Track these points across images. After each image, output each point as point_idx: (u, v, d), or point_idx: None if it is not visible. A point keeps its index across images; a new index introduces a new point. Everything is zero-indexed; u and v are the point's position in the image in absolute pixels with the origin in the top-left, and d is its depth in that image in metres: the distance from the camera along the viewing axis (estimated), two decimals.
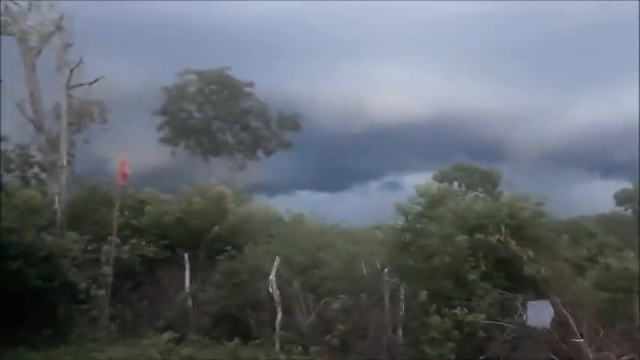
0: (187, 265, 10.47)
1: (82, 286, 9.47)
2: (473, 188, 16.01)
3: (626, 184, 20.87)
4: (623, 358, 8.00)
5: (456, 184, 19.58)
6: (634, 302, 9.13)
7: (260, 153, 23.82)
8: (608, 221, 17.66)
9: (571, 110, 34.05)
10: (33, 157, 10.77)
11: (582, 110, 33.36)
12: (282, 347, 9.03)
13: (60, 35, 12.15)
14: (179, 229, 12.66)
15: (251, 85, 22.78)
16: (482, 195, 10.98)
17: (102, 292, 9.66)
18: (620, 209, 20.52)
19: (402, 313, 9.34)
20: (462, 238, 9.58)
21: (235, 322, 9.70)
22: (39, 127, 11.69)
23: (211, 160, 22.64)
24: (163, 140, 22.04)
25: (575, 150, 31.18)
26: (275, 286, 9.40)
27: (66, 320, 9.02)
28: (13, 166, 10.83)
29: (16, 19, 11.34)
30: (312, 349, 8.95)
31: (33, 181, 11.23)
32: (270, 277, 9.43)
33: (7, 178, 8.54)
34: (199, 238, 12.45)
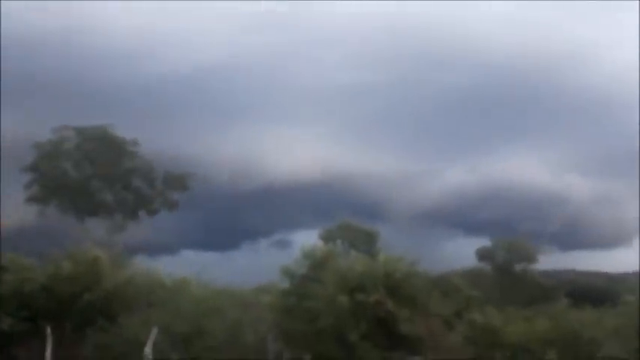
0: (49, 339, 9.37)
1: None
2: (355, 247, 16.73)
3: (486, 241, 23.51)
4: None
5: (339, 242, 20.29)
6: (499, 353, 9.99)
7: (142, 213, 22.71)
8: (471, 276, 19.37)
9: (440, 174, 37.75)
10: None
11: (449, 174, 37.17)
12: None
13: None
14: (43, 297, 11.40)
15: (135, 143, 22.00)
16: (361, 255, 11.55)
17: None
18: (481, 265, 22.71)
19: None
20: (343, 299, 9.90)
21: None
22: None
23: (87, 221, 21.02)
24: (31, 199, 20.07)
25: (442, 210, 34.27)
26: (152, 358, 8.79)
27: None
28: None
29: None
30: None
31: None
32: (146, 350, 8.81)
33: None
34: (68, 308, 11.30)
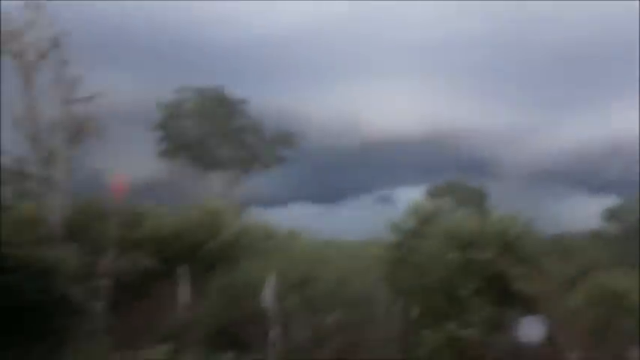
0: (184, 279, 10.56)
1: (79, 299, 9.51)
2: (463, 205, 16.30)
3: (612, 201, 21.34)
4: None
5: (447, 200, 19.93)
6: (625, 319, 9.33)
7: (255, 168, 24.13)
8: (595, 237, 17.92)
9: (558, 128, 34.73)
10: (30, 171, 10.82)
11: (568, 128, 34.05)
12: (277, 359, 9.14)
13: (57, 51, 12.33)
14: (176, 242, 12.73)
15: (245, 102, 23.21)
16: (472, 213, 11.26)
17: (99, 305, 9.70)
18: (607, 225, 20.81)
19: (396, 328, 9.49)
20: (453, 255, 9.80)
21: (232, 336, 9.78)
22: (36, 142, 11.80)
23: (207, 174, 22.87)
24: (161, 154, 22.29)
25: (562, 167, 31.72)
26: (270, 301, 9.52)
27: (63, 334, 9.04)
28: (9, 180, 10.87)
29: (14, 36, 11.51)
30: None
31: (30, 196, 11.27)
32: (265, 292, 9.56)
33: (4, 192, 8.55)
34: (195, 252, 12.52)
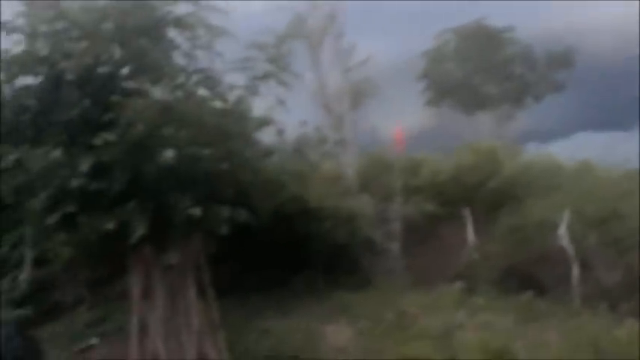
0: (469, 220, 10.73)
1: (378, 241, 10.80)
2: None
3: None
4: None
5: None
6: None
7: (528, 100, 22.25)
8: None
9: None
10: (326, 135, 12.62)
11: None
12: (583, 303, 8.46)
13: (334, 26, 13.80)
14: (453, 186, 12.94)
15: (511, 30, 21.33)
16: None
17: (395, 246, 10.83)
18: None
19: None
20: None
21: (525, 276, 9.50)
22: (329, 111, 13.68)
23: (476, 115, 22.29)
24: (428, 103, 22.78)
25: None
26: (567, 240, 8.80)
27: (368, 270, 10.48)
28: (312, 145, 12.86)
29: (303, 20, 13.35)
30: (620, 306, 8.09)
31: (328, 156, 13.13)
32: (560, 231, 8.87)
33: (311, 156, 10.22)
34: (474, 194, 12.49)
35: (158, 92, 7.21)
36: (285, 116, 9.08)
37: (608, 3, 28.07)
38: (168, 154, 6.82)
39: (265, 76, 8.37)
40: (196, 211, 7.05)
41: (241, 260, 9.72)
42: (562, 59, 22.11)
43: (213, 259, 8.21)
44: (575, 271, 8.68)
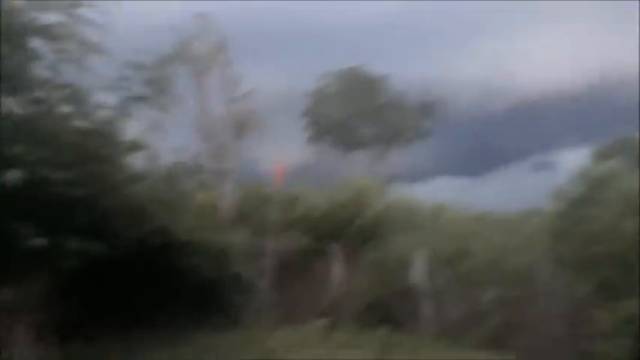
0: (336, 256, 11.04)
1: (248, 277, 10.57)
2: (636, 165, 14.08)
3: None
4: None
5: (616, 161, 17.43)
6: None
7: (398, 143, 24.10)
8: None
9: None
10: (205, 164, 12.27)
11: None
12: (434, 335, 9.06)
13: (222, 54, 13.71)
14: (327, 221, 13.31)
15: (386, 79, 23.18)
16: None
17: (264, 282, 10.69)
18: None
19: (561, 306, 8.68)
20: (629, 222, 8.57)
21: (385, 311, 9.96)
22: (210, 139, 13.38)
23: (352, 154, 23.54)
24: (309, 140, 23.63)
25: None
26: (420, 277, 9.44)
27: (237, 308, 10.16)
28: (189, 173, 12.43)
29: (188, 46, 13.04)
30: (463, 340, 8.80)
31: (205, 186, 12.75)
32: (416, 267, 9.50)
33: (185, 184, 9.83)
34: (346, 230, 12.96)
35: (11, 104, 6.45)
36: (163, 142, 8.67)
37: (474, 61, 31.83)
38: (14, 174, 6.08)
39: (140, 98, 7.94)
40: (40, 242, 6.32)
41: (94, 298, 8.78)
42: (429, 109, 24.41)
43: (58, 296, 7.34)
44: (427, 305, 9.32)
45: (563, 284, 8.81)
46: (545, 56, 31.07)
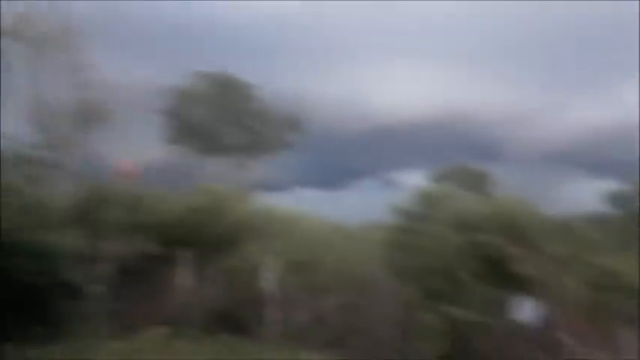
0: (186, 263, 10.69)
1: (79, 283, 9.62)
2: (466, 189, 16.26)
3: (615, 184, 20.64)
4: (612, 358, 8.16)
5: (451, 183, 19.88)
6: (623, 303, 9.25)
7: (261, 152, 24.29)
8: (595, 220, 17.52)
9: (566, 110, 34.16)
10: (38, 156, 10.97)
11: (576, 110, 33.46)
12: (276, 342, 9.26)
13: (67, 37, 12.41)
14: (180, 226, 12.82)
15: (253, 87, 23.28)
16: (478, 196, 11.23)
17: (99, 289, 9.83)
18: (609, 209, 20.28)
19: (395, 310, 9.54)
20: (455, 238, 9.79)
21: (232, 318, 9.92)
22: (43, 128, 11.96)
23: (212, 160, 23.08)
24: (169, 140, 22.57)
25: (569, 149, 31.24)
26: (269, 283, 9.62)
27: (61, 317, 9.15)
28: (16, 164, 11.04)
29: (23, 21, 11.59)
30: (306, 343, 9.16)
31: (38, 181, 11.44)
32: (266, 274, 9.66)
33: (10, 178, 8.69)
34: (200, 236, 12.62)
35: None
36: None
37: (340, 82, 33.60)
38: None
39: None
40: None
41: None
42: (293, 122, 25.09)
43: None
44: (272, 311, 9.53)
45: (398, 291, 9.69)
46: (402, 87, 34.32)
